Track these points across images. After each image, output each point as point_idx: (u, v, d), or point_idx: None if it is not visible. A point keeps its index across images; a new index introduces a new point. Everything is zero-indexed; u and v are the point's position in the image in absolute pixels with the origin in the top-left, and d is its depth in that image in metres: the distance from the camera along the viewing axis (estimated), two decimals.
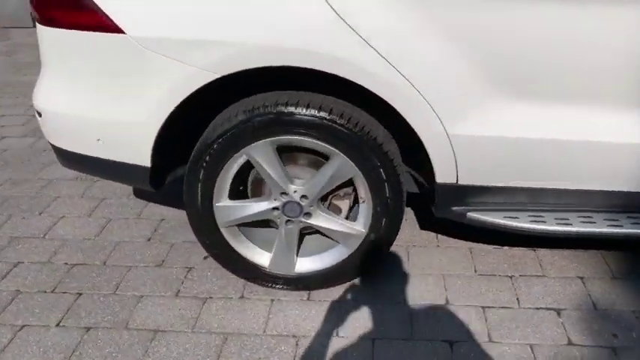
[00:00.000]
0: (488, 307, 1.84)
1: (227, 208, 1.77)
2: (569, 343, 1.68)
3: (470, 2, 1.40)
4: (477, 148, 1.59)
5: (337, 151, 1.62)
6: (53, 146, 1.89)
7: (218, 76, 1.53)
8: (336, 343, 1.68)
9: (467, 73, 1.49)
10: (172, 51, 1.52)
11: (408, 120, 1.55)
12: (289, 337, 1.72)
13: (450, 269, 2.03)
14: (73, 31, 1.57)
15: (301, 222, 1.79)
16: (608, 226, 1.66)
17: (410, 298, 1.87)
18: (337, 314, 1.80)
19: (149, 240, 2.23)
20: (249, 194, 1.88)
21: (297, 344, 1.68)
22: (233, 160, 1.67)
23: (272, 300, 1.87)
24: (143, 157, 1.72)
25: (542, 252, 2.12)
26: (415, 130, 1.57)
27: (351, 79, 1.49)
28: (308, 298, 1.88)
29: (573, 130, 1.55)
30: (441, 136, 1.56)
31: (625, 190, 1.64)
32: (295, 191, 1.72)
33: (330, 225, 1.79)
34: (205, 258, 2.10)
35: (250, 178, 1.85)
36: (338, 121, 1.56)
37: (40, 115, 1.82)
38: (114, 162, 1.78)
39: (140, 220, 2.38)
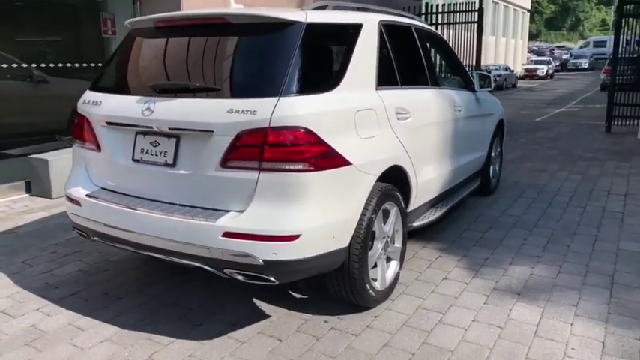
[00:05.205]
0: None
1: (372, 255, 2.90)
2: None
3: (417, 128, 3.35)
4: (421, 187, 3.44)
5: (396, 205, 3.08)
6: (287, 264, 2.42)
7: (377, 177, 2.80)
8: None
9: (423, 156, 3.44)
10: (372, 169, 2.74)
11: (410, 176, 3.24)
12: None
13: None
14: (328, 170, 2.48)
15: (385, 252, 3.05)
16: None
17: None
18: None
19: None
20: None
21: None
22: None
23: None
24: (347, 240, 2.66)
25: None
26: (410, 179, 3.26)
27: (401, 164, 3.11)
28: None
29: (430, 172, 3.71)
30: (415, 183, 3.35)
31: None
32: (388, 234, 3.06)
33: (394, 248, 3.16)
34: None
35: None
36: (397, 193, 3.08)
37: (295, 238, 2.39)
38: (334, 251, 2.56)
39: None
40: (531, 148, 8.32)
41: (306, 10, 2.75)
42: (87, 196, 2.89)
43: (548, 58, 34.88)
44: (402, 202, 3.19)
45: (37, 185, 5.41)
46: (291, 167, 2.40)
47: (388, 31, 3.29)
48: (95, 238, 2.92)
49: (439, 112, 3.77)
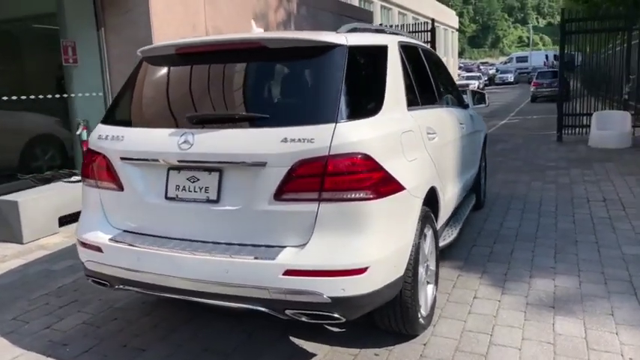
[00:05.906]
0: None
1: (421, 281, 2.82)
2: None
3: (441, 147, 3.33)
4: (445, 206, 3.39)
5: (431, 228, 3.00)
6: (356, 299, 2.27)
7: (422, 200, 2.74)
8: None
9: (445, 174, 3.40)
10: (418, 192, 2.68)
11: (439, 196, 3.18)
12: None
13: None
14: (388, 197, 2.36)
15: (427, 276, 2.97)
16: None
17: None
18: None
19: None
20: None
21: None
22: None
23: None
24: (404, 268, 2.54)
25: None
26: (439, 199, 3.19)
27: (435, 185, 3.06)
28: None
29: (450, 191, 3.64)
30: (443, 203, 3.27)
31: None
32: (428, 257, 2.96)
33: (430, 272, 3.05)
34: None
35: None
36: (432, 214, 3.00)
37: (363, 271, 2.25)
38: (395, 281, 2.44)
39: None
40: (496, 160, 8.58)
41: (343, 33, 2.66)
42: (110, 240, 2.61)
43: (478, 74, 36.70)
44: (435, 224, 3.13)
45: (5, 230, 4.90)
46: (354, 195, 2.27)
47: (405, 51, 3.26)
48: (120, 287, 2.64)
49: (453, 130, 3.77)
